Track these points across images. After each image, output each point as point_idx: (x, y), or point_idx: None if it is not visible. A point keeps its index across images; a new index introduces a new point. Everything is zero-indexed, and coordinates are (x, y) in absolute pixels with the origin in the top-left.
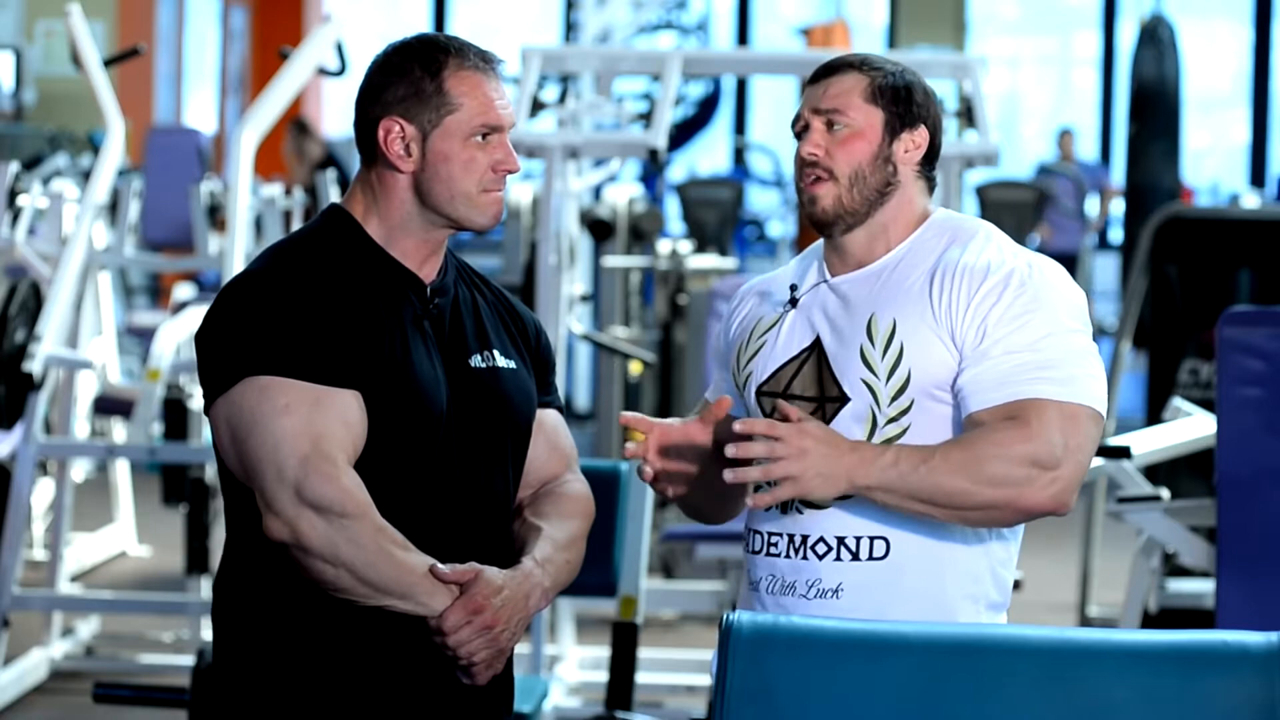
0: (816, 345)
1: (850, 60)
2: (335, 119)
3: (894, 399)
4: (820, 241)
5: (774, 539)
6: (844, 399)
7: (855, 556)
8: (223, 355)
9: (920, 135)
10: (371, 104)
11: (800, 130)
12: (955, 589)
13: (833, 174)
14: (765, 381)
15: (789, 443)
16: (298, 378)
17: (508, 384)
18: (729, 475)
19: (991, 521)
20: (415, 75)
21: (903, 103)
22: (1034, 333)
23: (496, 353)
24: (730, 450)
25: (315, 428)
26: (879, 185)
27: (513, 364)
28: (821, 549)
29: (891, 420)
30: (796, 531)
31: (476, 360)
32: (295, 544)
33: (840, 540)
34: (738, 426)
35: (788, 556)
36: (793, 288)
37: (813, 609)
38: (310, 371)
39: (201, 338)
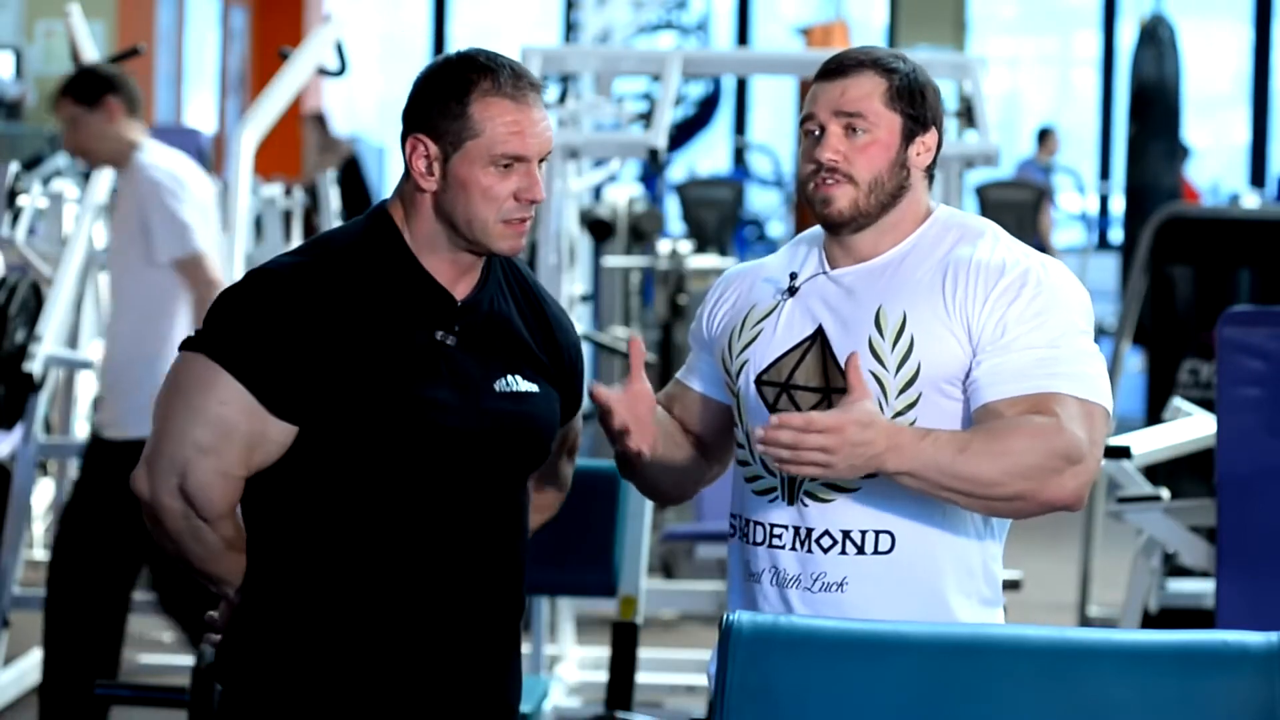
0: (819, 335)
1: (862, 58)
2: (335, 118)
3: (902, 391)
4: (815, 230)
5: (778, 531)
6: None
7: (861, 550)
8: (214, 325)
9: (931, 138)
10: (408, 115)
11: (814, 130)
12: (953, 584)
13: (852, 179)
14: (765, 370)
15: (830, 435)
16: (252, 391)
17: (530, 409)
18: (760, 449)
19: (1013, 512)
20: (445, 94)
21: (918, 105)
22: (1051, 331)
23: (521, 377)
24: (759, 435)
25: (234, 435)
26: (894, 190)
27: (536, 388)
28: (827, 542)
29: (898, 414)
30: (801, 524)
31: (500, 384)
32: (149, 511)
33: (846, 534)
34: (774, 419)
35: (793, 549)
36: (792, 276)
37: (817, 601)
38: (266, 394)
39: (216, 301)
